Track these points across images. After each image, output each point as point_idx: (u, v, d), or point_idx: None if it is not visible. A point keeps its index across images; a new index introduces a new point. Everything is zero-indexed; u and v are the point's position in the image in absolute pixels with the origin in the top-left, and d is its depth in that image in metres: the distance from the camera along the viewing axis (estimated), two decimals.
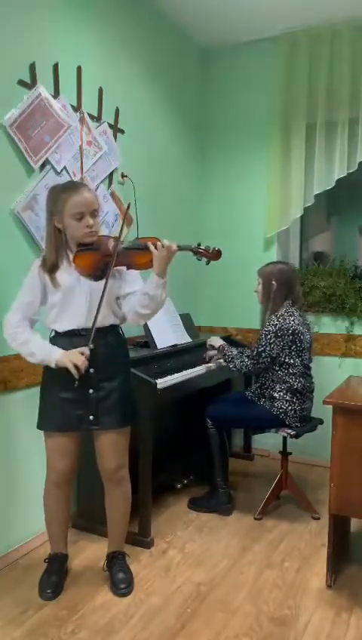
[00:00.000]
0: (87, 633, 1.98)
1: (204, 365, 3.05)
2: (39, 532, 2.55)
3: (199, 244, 2.13)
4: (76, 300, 2.06)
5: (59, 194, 2.02)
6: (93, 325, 2.00)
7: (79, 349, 2.01)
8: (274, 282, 2.86)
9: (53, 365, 2.03)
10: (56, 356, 2.03)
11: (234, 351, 2.92)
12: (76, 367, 1.97)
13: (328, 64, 3.43)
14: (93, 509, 2.59)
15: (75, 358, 1.98)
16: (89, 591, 2.23)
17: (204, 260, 2.14)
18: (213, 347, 3.05)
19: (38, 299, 2.09)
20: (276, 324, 2.76)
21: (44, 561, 2.30)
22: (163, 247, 2.02)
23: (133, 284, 2.12)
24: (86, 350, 2.00)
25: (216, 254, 2.12)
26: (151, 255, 2.04)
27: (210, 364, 3.08)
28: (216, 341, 3.05)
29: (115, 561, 2.28)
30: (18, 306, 2.09)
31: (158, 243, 2.03)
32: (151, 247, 2.02)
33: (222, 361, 3.01)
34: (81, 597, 2.19)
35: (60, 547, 2.31)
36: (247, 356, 2.81)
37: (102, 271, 2.02)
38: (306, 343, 2.84)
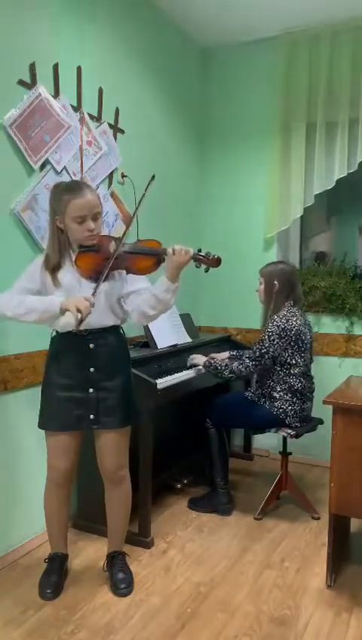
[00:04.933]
0: (87, 633, 1.98)
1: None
2: (39, 532, 2.56)
3: (199, 250, 2.09)
4: None
5: (62, 195, 2.00)
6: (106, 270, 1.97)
7: (85, 296, 1.92)
8: (276, 282, 2.86)
9: (57, 310, 1.92)
10: (59, 300, 1.94)
11: (224, 358, 2.89)
12: (79, 310, 1.87)
13: (328, 64, 3.43)
14: (93, 509, 2.60)
15: (79, 303, 1.88)
16: (89, 591, 2.23)
17: (203, 267, 2.10)
18: (196, 366, 2.94)
19: (36, 289, 2.05)
20: (279, 324, 2.76)
21: (44, 561, 2.30)
22: (181, 251, 1.99)
23: (136, 283, 2.11)
24: (91, 298, 1.92)
25: (216, 261, 2.08)
26: (153, 260, 2.04)
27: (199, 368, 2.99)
28: (199, 359, 2.95)
29: (115, 561, 2.28)
30: (14, 288, 2.05)
31: (177, 247, 2.00)
32: (169, 251, 2.01)
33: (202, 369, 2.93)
34: (81, 597, 2.19)
35: (60, 547, 2.31)
36: (248, 357, 2.80)
37: (101, 273, 2.01)
38: (307, 343, 2.85)
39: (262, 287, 2.92)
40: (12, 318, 2.01)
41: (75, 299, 1.92)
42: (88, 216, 1.99)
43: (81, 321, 1.88)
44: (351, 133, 3.40)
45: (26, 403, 2.45)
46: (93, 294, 1.95)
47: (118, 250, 2.01)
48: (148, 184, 2.09)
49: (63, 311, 1.92)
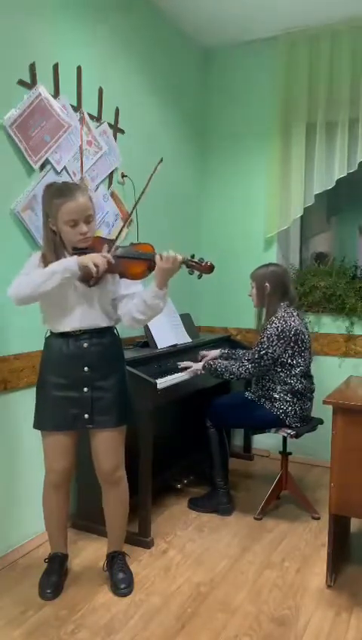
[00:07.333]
0: (87, 633, 1.98)
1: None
2: (39, 532, 2.55)
3: (192, 256, 2.07)
4: (71, 303, 2.05)
5: (53, 199, 1.98)
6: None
7: (103, 253, 1.97)
8: (267, 284, 2.86)
9: (76, 268, 1.92)
10: (75, 257, 1.95)
11: (223, 361, 2.88)
12: (96, 265, 1.91)
13: (328, 64, 3.43)
14: (92, 509, 2.58)
15: (95, 258, 1.93)
16: (89, 591, 2.23)
17: (196, 273, 2.07)
18: (195, 372, 2.89)
19: None
20: (278, 325, 2.76)
21: (44, 561, 2.30)
22: (168, 258, 1.99)
23: (129, 287, 2.12)
24: (108, 255, 1.96)
25: (209, 268, 2.06)
26: (145, 265, 2.03)
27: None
28: (196, 365, 2.90)
29: (115, 561, 2.28)
30: (21, 274, 2.03)
31: (164, 254, 2.00)
32: (157, 259, 2.00)
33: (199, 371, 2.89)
34: (81, 597, 2.19)
35: (60, 547, 2.31)
36: (248, 359, 2.79)
37: (95, 276, 2.00)
38: (307, 342, 2.84)
39: (254, 290, 2.92)
40: (31, 294, 1.95)
41: (91, 254, 1.96)
42: (80, 219, 1.98)
43: (98, 277, 1.94)
44: (351, 133, 3.40)
45: (26, 403, 2.44)
46: (109, 252, 1.99)
47: (111, 254, 2.01)
48: (157, 166, 2.10)
49: (81, 267, 1.94)
